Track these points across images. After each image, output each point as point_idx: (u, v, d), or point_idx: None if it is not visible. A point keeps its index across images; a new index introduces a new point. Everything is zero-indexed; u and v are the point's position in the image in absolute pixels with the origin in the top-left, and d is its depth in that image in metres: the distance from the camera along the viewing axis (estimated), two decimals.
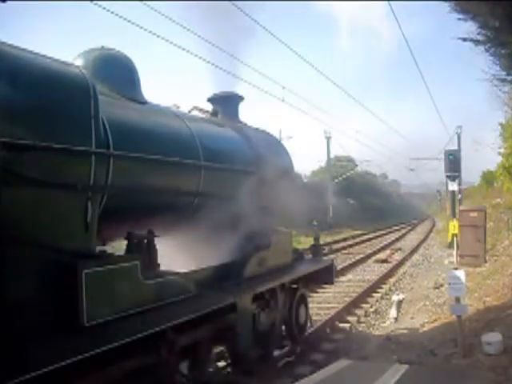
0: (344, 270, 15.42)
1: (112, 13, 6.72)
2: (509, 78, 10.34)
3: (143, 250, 4.24)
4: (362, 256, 19.09)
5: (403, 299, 11.01)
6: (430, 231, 36.29)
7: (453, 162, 18.40)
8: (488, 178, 30.24)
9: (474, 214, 14.85)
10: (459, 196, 22.78)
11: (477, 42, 8.36)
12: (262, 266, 6.08)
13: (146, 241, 4.32)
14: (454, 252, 15.69)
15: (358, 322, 9.63)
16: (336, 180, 41.06)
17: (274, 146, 7.52)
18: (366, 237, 30.79)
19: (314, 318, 8.56)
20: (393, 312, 10.04)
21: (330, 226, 32.37)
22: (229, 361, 5.96)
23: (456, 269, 7.38)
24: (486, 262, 13.90)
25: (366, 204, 50.90)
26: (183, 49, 8.59)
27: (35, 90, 3.26)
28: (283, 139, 28.69)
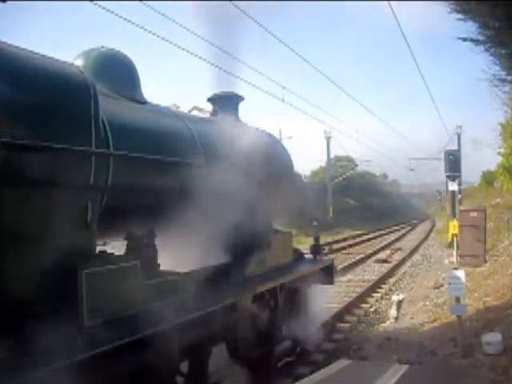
0: (344, 270, 15.43)
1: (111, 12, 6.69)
2: (509, 77, 10.34)
3: (143, 250, 4.24)
4: (361, 256, 19.11)
5: (403, 299, 11.01)
6: (430, 231, 36.32)
7: (453, 162, 18.43)
8: (488, 178, 30.16)
9: (474, 214, 14.85)
10: (459, 196, 22.78)
11: (477, 42, 8.36)
12: (261, 265, 6.08)
13: (145, 241, 4.32)
14: (454, 252, 15.71)
15: (358, 321, 9.64)
16: (336, 180, 41.07)
17: (274, 145, 7.52)
18: (365, 237, 30.81)
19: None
20: (393, 312, 10.05)
21: (330, 226, 32.39)
22: (229, 361, 5.95)
23: (456, 269, 7.40)
24: (486, 262, 13.89)
25: (366, 204, 50.91)
26: (183, 49, 8.59)
27: (35, 89, 3.25)
28: (283, 139, 28.69)
